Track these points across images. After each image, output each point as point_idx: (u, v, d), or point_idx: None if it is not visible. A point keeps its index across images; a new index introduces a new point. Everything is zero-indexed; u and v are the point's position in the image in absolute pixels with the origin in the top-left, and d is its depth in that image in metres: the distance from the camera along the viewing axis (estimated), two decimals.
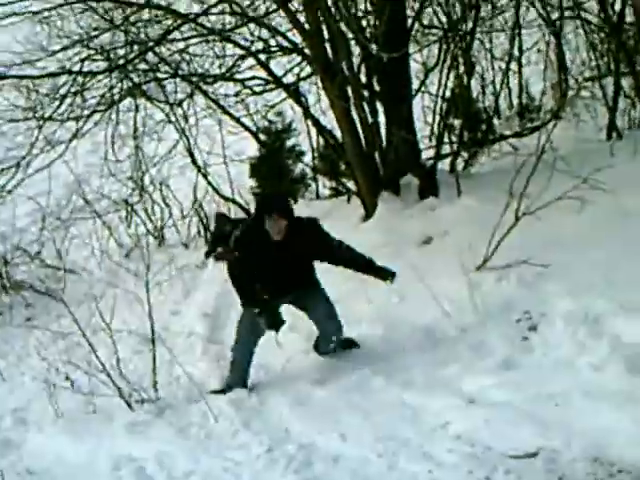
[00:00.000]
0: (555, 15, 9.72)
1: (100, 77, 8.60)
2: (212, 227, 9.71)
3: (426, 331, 5.94)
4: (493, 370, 5.08)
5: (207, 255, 9.35)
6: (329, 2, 7.68)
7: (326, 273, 6.02)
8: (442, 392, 5.01)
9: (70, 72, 8.39)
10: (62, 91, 8.49)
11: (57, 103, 8.47)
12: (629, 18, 9.05)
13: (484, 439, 4.31)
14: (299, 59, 9.00)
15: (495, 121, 10.25)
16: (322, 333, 5.97)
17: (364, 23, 8.44)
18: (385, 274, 5.81)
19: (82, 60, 8.43)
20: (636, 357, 4.64)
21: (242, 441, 5.11)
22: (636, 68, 9.12)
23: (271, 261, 5.57)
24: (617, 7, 9.17)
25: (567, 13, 9.70)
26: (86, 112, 8.71)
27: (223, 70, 9.25)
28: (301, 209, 9.55)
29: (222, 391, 5.80)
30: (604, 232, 6.27)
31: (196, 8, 8.83)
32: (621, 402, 4.24)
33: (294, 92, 9.15)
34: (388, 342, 5.99)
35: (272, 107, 9.71)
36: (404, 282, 6.28)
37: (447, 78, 8.89)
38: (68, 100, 8.47)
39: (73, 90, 8.41)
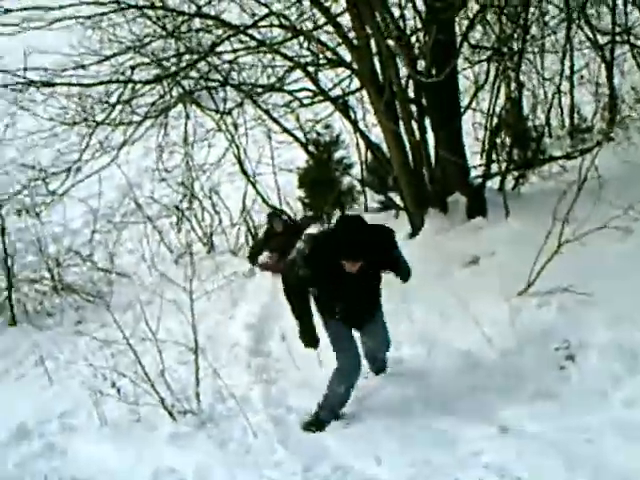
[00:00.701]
0: (605, 38, 9.77)
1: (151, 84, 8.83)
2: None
3: (466, 354, 5.99)
4: (528, 399, 5.14)
5: (251, 259, 9.57)
6: (378, 18, 7.78)
7: None
8: (477, 419, 5.07)
9: (121, 81, 8.59)
10: (113, 98, 8.69)
11: (109, 109, 8.67)
12: None
13: (514, 470, 4.37)
14: (348, 73, 9.11)
15: (546, 140, 10.27)
16: (371, 354, 5.97)
17: (413, 39, 8.48)
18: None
19: (133, 68, 8.61)
20: None
21: (279, 458, 5.20)
22: None
23: (344, 286, 5.34)
24: None
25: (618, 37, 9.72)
26: (137, 118, 8.91)
27: (272, 80, 9.40)
28: None
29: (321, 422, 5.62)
30: None
31: (246, 18, 9.02)
32: None
33: (342, 105, 9.30)
34: (428, 364, 6.06)
35: (318, 121, 9.89)
36: (447, 303, 6.42)
37: (497, 95, 8.96)
38: (119, 107, 8.66)
39: (125, 98, 8.59)
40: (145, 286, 9.33)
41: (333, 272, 5.23)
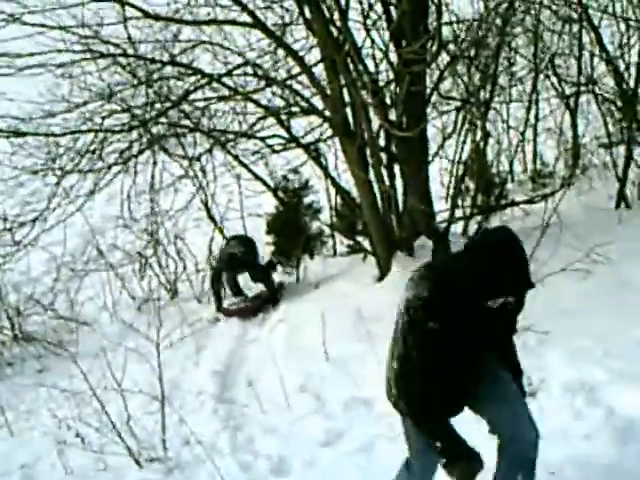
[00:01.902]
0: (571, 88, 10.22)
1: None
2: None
3: None
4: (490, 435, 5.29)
5: (213, 284, 9.68)
6: (351, 68, 8.07)
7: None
8: None
9: (92, 130, 8.75)
10: (81, 145, 8.83)
11: (77, 158, 8.81)
12: None
13: None
14: (320, 120, 9.32)
15: (509, 185, 10.65)
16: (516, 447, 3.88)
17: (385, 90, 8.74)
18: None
19: (103, 118, 8.78)
20: (627, 428, 4.87)
21: None
22: None
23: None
24: (631, 83, 9.59)
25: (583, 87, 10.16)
26: (105, 165, 9.04)
27: (244, 127, 9.61)
28: (318, 266, 9.92)
29: None
30: (606, 301, 6.55)
31: (218, 65, 9.24)
32: (610, 473, 4.46)
33: (314, 152, 9.54)
34: None
35: (296, 172, 10.10)
36: None
37: (464, 143, 9.28)
38: (88, 155, 8.80)
39: (93, 147, 8.75)
40: (109, 333, 9.33)
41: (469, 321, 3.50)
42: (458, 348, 3.53)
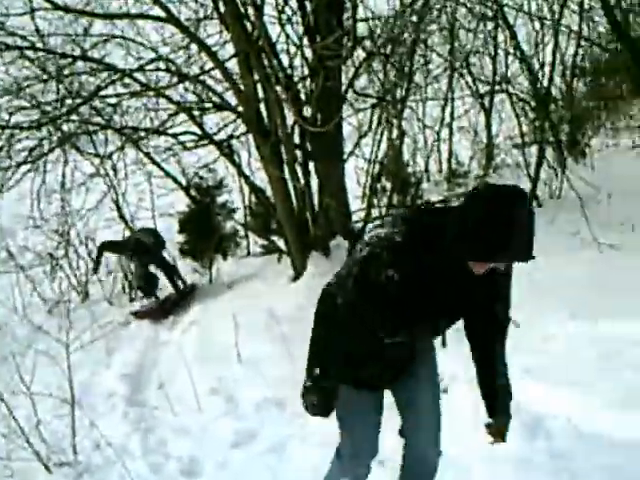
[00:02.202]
0: (486, 87, 10.39)
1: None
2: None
3: None
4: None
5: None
6: (265, 64, 8.05)
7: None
8: None
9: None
10: None
11: None
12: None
13: None
14: (233, 117, 9.29)
15: (424, 185, 10.77)
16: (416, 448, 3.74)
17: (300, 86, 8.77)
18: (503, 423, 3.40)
19: (11, 114, 8.57)
20: (535, 424, 4.94)
21: None
22: (560, 140, 9.69)
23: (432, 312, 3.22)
24: (545, 82, 9.83)
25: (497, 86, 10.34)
26: (13, 163, 8.84)
27: (156, 124, 9.50)
28: (231, 267, 9.85)
29: None
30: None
31: (131, 60, 9.12)
32: (520, 468, 4.51)
33: (227, 149, 9.47)
34: None
35: (210, 170, 10.00)
36: None
37: (380, 142, 9.34)
38: None
39: (1, 143, 8.54)
40: (18, 336, 9.11)
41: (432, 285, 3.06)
42: (404, 309, 3.12)
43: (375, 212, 9.25)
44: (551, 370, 5.48)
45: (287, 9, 8.76)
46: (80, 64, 8.88)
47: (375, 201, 9.32)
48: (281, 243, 9.30)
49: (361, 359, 3.41)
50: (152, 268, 9.62)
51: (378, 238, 3.10)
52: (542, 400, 5.13)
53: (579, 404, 5.04)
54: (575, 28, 10.86)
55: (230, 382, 6.78)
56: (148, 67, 8.81)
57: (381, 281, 3.04)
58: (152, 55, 8.90)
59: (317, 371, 3.26)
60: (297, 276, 8.69)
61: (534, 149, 9.97)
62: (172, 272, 9.64)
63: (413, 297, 3.07)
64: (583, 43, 12.24)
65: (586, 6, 10.97)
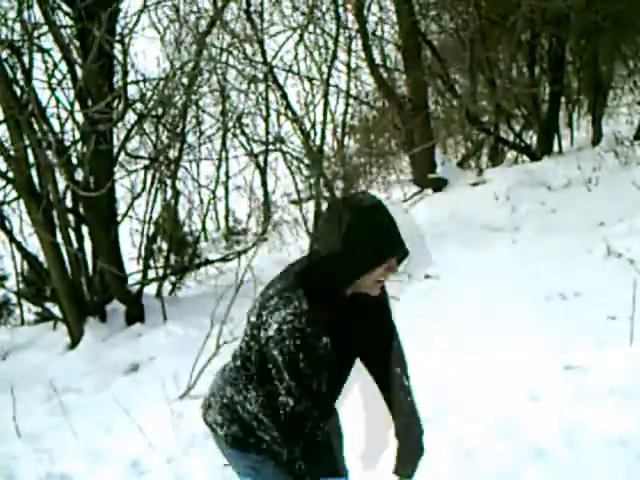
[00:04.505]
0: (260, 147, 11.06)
1: None
2: None
3: (132, 463, 6.13)
4: None
5: None
6: (35, 128, 8.25)
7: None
8: None
9: None
10: None
11: None
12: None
13: None
14: (3, 182, 9.31)
15: (202, 244, 11.21)
16: None
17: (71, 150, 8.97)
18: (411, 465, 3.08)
19: None
20: None
21: None
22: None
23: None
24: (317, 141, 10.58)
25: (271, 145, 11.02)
26: None
27: None
28: (4, 337, 9.76)
29: None
30: None
31: None
32: None
33: None
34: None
35: None
36: (110, 413, 6.72)
37: (154, 202, 9.72)
38: None
39: None
40: None
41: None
42: (340, 366, 2.97)
43: (152, 273, 9.57)
44: None
45: (57, 73, 8.99)
46: None
47: (152, 262, 9.66)
48: (56, 310, 9.32)
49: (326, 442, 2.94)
50: None
51: (287, 324, 2.75)
52: None
53: None
54: (343, 87, 11.80)
55: (9, 460, 6.73)
56: None
57: (321, 354, 2.77)
58: None
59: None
60: (74, 343, 8.76)
61: (311, 205, 10.57)
62: None
63: (341, 356, 2.90)
64: (352, 102, 13.28)
65: (353, 65, 12.00)
